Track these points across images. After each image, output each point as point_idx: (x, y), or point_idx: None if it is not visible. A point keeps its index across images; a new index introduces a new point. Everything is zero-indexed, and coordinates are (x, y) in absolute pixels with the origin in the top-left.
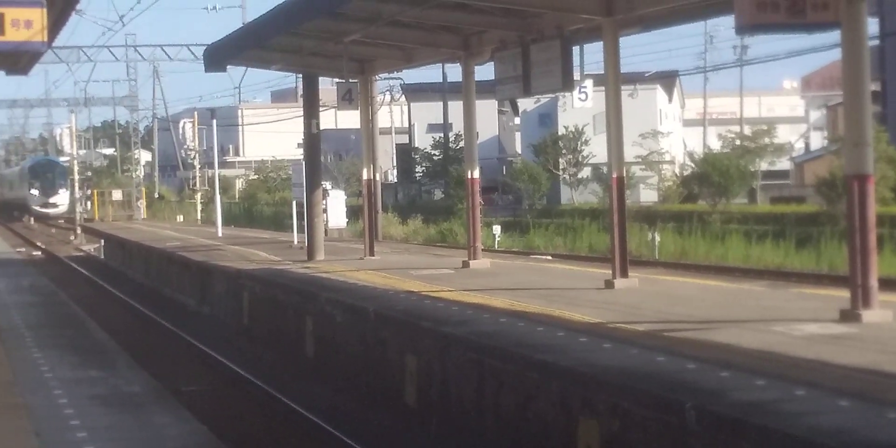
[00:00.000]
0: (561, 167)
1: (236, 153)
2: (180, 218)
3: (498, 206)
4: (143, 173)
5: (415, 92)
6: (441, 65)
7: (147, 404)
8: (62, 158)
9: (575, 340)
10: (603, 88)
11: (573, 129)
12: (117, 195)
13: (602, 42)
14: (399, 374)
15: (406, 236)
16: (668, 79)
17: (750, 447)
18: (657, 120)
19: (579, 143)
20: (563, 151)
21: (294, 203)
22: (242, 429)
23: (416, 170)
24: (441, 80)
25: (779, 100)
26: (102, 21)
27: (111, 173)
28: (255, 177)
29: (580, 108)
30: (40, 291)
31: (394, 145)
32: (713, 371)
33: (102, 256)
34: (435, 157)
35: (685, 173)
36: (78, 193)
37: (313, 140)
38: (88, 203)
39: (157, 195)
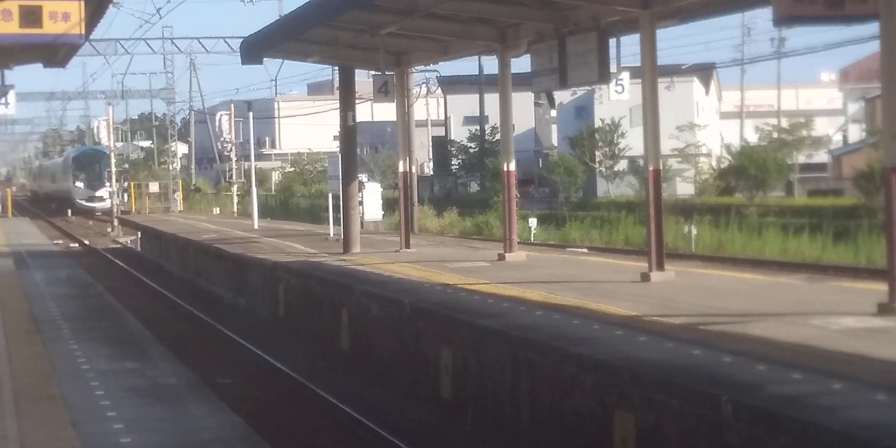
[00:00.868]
0: (597, 160)
1: (272, 145)
2: (217, 210)
3: (534, 199)
4: (179, 166)
5: (451, 84)
6: (477, 57)
7: (183, 396)
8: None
9: (611, 333)
10: (639, 81)
11: (609, 122)
12: (154, 187)
13: (639, 34)
14: (434, 367)
15: (442, 229)
16: (704, 71)
17: (786, 441)
18: (694, 112)
19: (615, 135)
20: (600, 144)
21: (330, 195)
22: (278, 421)
23: (452, 162)
24: (477, 73)
25: (817, 92)
26: (139, 13)
27: (148, 165)
28: (292, 169)
29: (616, 100)
30: (77, 283)
31: (430, 138)
32: (749, 364)
33: (139, 248)
34: (471, 150)
35: (722, 166)
36: (115, 186)
37: (349, 132)
38: (125, 195)
39: (193, 187)
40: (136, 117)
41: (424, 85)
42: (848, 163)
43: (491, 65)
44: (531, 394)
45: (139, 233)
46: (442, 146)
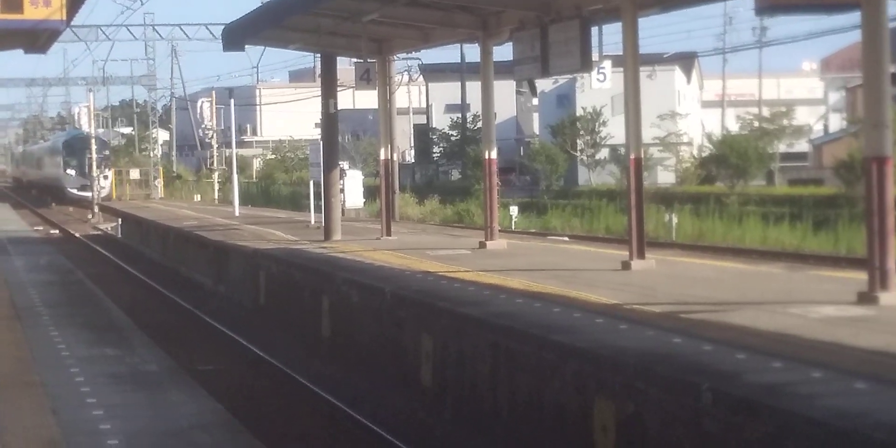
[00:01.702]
0: (578, 148)
1: (254, 133)
2: (198, 197)
3: (515, 187)
4: (160, 152)
5: (433, 72)
6: (459, 45)
7: (163, 383)
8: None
9: (591, 321)
10: (621, 69)
11: (591, 110)
12: (135, 174)
13: (621, 23)
14: (415, 354)
15: (423, 217)
16: (686, 60)
17: (766, 429)
18: (675, 101)
19: (597, 124)
20: (581, 132)
21: (311, 183)
22: (258, 408)
23: (434, 150)
24: (459, 61)
25: (798, 81)
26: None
27: (129, 152)
28: (273, 156)
29: (598, 89)
30: (57, 270)
31: (411, 125)
32: (729, 353)
33: (120, 235)
34: (452, 138)
35: (703, 155)
36: (96, 172)
37: (331, 120)
38: (108, 182)
39: (174, 174)
40: (118, 104)
41: (406, 73)
42: (829, 152)
43: (473, 53)
44: (511, 382)
45: (120, 220)
46: (423, 134)
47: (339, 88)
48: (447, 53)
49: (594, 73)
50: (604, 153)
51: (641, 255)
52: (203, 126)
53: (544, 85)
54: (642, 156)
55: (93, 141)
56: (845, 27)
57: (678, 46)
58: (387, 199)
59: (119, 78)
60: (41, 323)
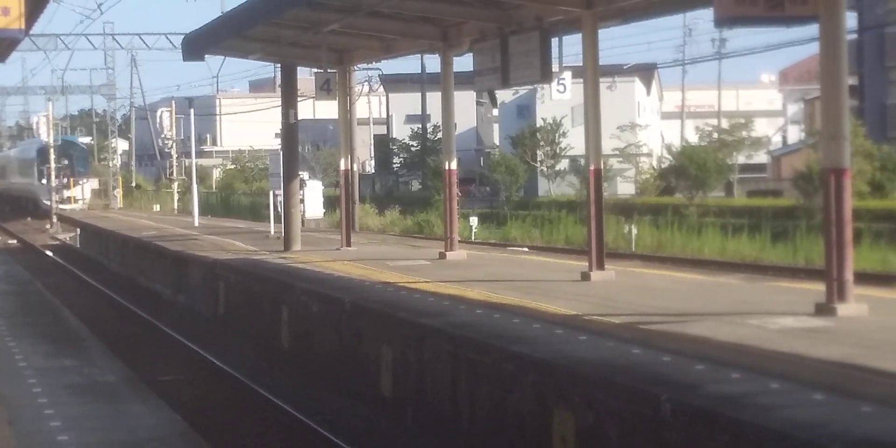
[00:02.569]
0: (538, 159)
1: (214, 143)
2: (157, 207)
3: (475, 198)
4: (119, 162)
5: (393, 83)
6: (420, 56)
7: (122, 394)
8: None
9: (551, 332)
10: (581, 80)
11: (551, 121)
12: (94, 184)
13: (581, 34)
14: (375, 365)
15: (383, 227)
16: (646, 71)
17: (725, 440)
18: (635, 112)
19: (557, 135)
20: (541, 143)
21: (271, 193)
22: (217, 419)
23: (394, 161)
24: (420, 71)
25: (756, 93)
26: (80, 9)
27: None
28: (233, 166)
29: (558, 99)
30: (15, 280)
31: (372, 136)
32: (688, 364)
33: (78, 245)
34: (413, 148)
35: (662, 166)
36: (55, 182)
37: (291, 130)
38: (65, 192)
39: (133, 184)
40: (77, 113)
41: (367, 83)
42: (787, 163)
43: (433, 63)
44: (471, 392)
45: (78, 229)
46: (384, 144)
47: (299, 99)
48: (408, 64)
49: (554, 84)
50: (564, 164)
51: (601, 266)
52: (163, 136)
53: (504, 96)
54: (602, 167)
55: (51, 152)
56: (803, 39)
57: (638, 58)
58: (347, 209)
59: (78, 87)
60: None
